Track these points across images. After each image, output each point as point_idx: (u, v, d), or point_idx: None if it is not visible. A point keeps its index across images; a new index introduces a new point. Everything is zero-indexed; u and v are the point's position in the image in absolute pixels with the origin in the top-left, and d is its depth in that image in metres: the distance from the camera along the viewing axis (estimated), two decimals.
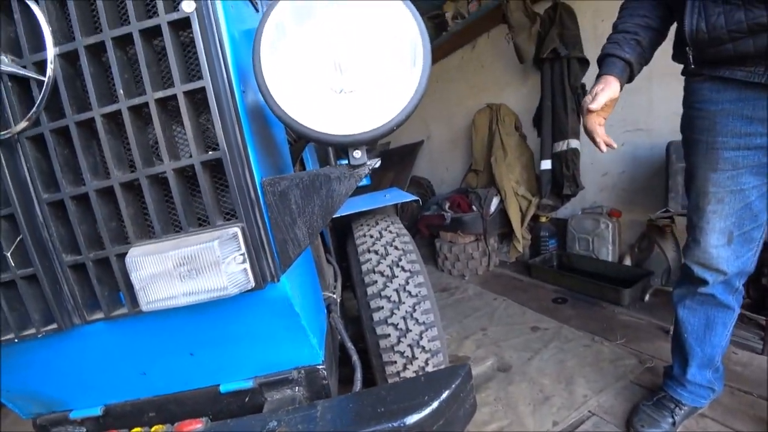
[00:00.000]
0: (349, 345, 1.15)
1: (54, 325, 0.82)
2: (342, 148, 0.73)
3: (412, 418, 0.78)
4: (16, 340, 0.84)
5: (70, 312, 0.81)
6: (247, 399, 0.95)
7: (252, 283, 0.68)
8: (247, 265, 0.67)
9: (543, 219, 3.54)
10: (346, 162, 0.73)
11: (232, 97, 0.70)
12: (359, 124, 0.65)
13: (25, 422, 1.10)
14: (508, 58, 3.69)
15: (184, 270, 0.64)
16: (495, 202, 3.56)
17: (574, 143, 3.18)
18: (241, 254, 0.67)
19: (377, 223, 1.63)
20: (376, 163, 0.73)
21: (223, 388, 0.94)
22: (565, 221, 3.42)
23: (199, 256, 0.64)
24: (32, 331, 0.83)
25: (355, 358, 1.11)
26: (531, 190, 3.61)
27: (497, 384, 2.07)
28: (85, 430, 1.02)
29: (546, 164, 3.36)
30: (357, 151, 0.69)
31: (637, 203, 3.01)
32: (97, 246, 0.78)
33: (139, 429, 0.88)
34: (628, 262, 3.00)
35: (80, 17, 0.71)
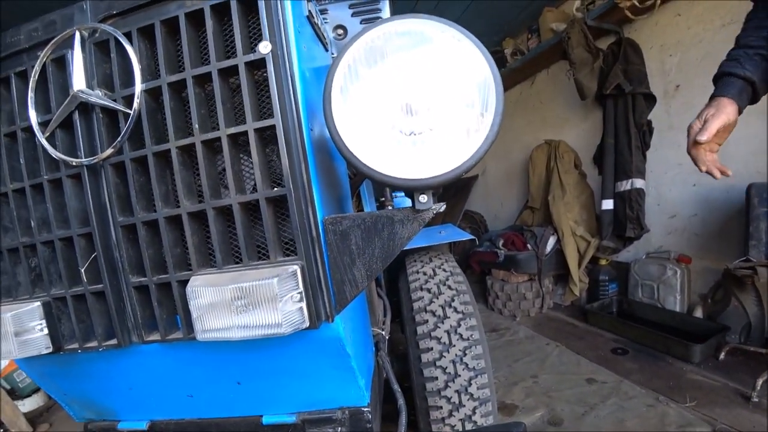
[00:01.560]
0: (396, 387, 1.10)
1: (114, 341, 0.85)
2: (408, 192, 0.71)
3: None
4: (79, 351, 0.87)
5: (130, 330, 0.84)
6: None
7: (307, 323, 0.66)
8: (304, 304, 0.66)
9: (603, 262, 3.33)
10: (410, 205, 0.71)
11: (300, 135, 0.71)
12: (427, 168, 0.63)
13: (74, 424, 1.14)
14: (568, 94, 3.59)
15: (241, 303, 0.63)
16: (551, 241, 3.42)
17: (638, 183, 2.99)
18: (298, 292, 0.65)
19: (431, 260, 1.59)
20: (441, 207, 0.70)
21: (265, 420, 0.92)
22: (627, 265, 3.18)
23: (257, 291, 0.64)
24: (94, 344, 0.87)
25: (401, 402, 1.06)
26: (590, 231, 3.42)
27: None
28: None
29: (607, 204, 3.17)
30: (423, 195, 0.66)
31: (711, 249, 2.75)
32: (161, 270, 0.81)
33: None
34: (699, 314, 2.72)
35: (166, 57, 0.76)
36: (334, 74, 0.65)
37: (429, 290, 1.43)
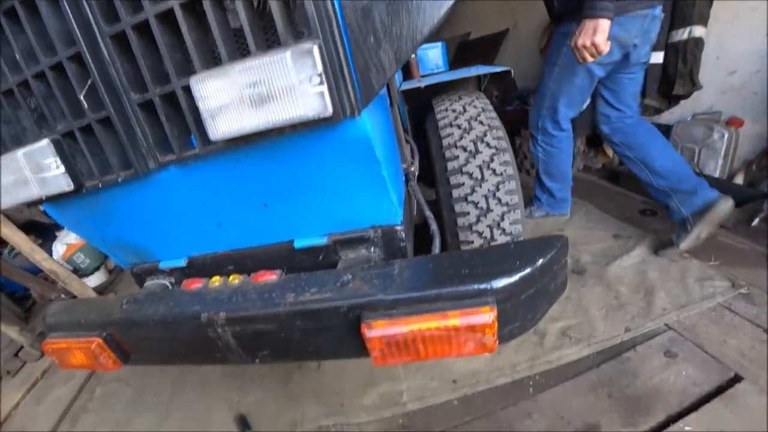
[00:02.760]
0: (428, 213, 1.07)
1: (131, 170, 0.81)
2: None
3: (500, 282, 0.70)
4: (100, 185, 0.84)
5: (144, 155, 0.79)
6: (321, 257, 0.93)
7: (329, 110, 0.58)
8: (325, 88, 0.57)
9: None
10: None
11: None
12: None
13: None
14: None
15: (255, 93, 0.55)
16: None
17: (698, 31, 2.55)
18: (317, 74, 0.56)
19: (460, 98, 1.46)
20: None
21: (297, 244, 0.91)
22: (669, 127, 2.90)
23: (270, 75, 0.55)
24: (113, 176, 0.83)
25: (434, 226, 1.04)
26: None
27: (570, 284, 1.90)
28: (173, 279, 1.08)
29: (657, 57, 2.75)
30: None
31: None
32: (163, 81, 0.72)
33: (217, 277, 0.90)
34: (739, 180, 2.54)
35: None
36: None
37: (459, 126, 1.33)
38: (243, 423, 1.54)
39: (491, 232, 1.29)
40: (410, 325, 0.69)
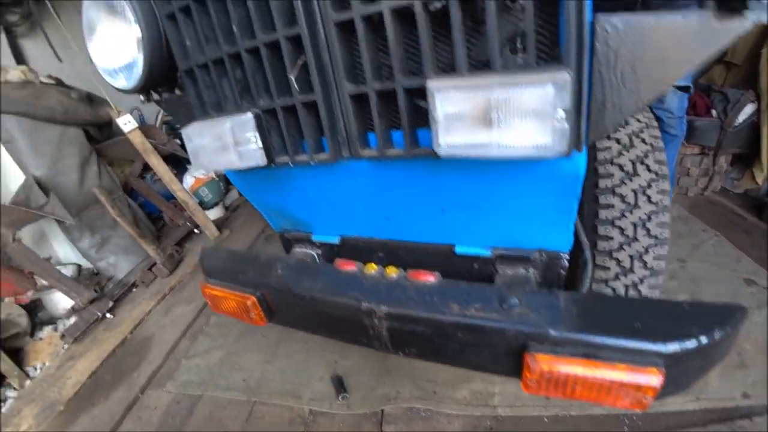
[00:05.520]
0: (584, 238, 1.03)
1: (325, 155, 0.84)
2: None
3: (674, 347, 0.65)
4: (291, 164, 0.89)
5: (341, 144, 0.81)
6: (476, 265, 0.93)
7: (564, 148, 0.55)
8: (568, 124, 0.54)
9: None
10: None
11: None
12: None
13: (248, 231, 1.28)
14: None
15: (499, 115, 0.53)
16: (748, 110, 2.68)
17: None
18: (565, 110, 0.53)
19: None
20: None
21: (458, 250, 0.92)
22: None
23: (516, 98, 0.53)
24: (305, 157, 0.87)
25: (587, 253, 0.99)
26: None
27: None
28: (320, 252, 1.16)
29: None
30: None
31: None
32: (383, 77, 0.73)
33: (373, 265, 0.93)
34: None
35: None
36: None
37: (618, 141, 1.22)
38: (339, 384, 1.66)
39: (631, 262, 1.20)
40: (576, 366, 0.68)
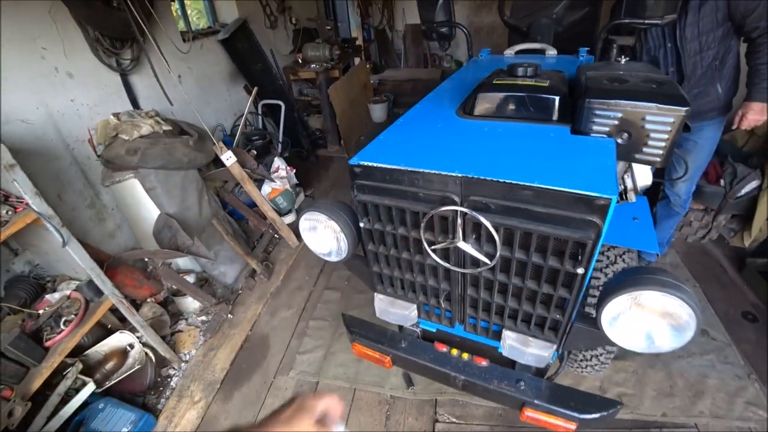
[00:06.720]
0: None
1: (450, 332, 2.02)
2: None
3: (584, 416, 1.82)
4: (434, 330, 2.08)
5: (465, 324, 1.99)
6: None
7: None
8: None
9: None
10: None
11: None
12: None
13: None
14: None
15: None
16: (751, 185, 3.33)
17: None
18: None
19: None
20: None
21: (500, 350, 2.09)
22: None
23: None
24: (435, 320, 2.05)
25: (564, 363, 2.17)
26: None
27: (643, 361, 2.71)
28: (419, 331, 2.35)
29: None
30: None
31: None
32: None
33: (455, 350, 2.13)
34: None
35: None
36: None
37: None
38: (408, 379, 2.83)
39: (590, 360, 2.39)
40: (543, 416, 1.86)
